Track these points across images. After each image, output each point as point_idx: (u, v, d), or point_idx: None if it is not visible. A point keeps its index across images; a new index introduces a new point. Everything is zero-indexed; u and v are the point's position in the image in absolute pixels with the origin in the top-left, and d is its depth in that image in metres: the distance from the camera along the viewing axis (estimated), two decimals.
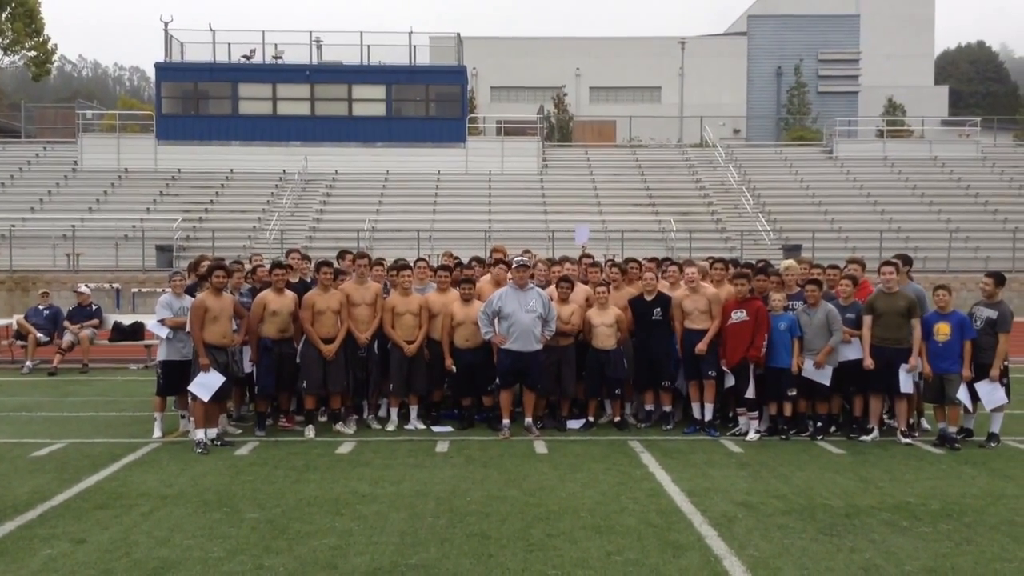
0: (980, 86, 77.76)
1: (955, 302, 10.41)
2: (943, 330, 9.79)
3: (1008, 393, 10.09)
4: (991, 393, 9.87)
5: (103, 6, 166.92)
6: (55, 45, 48.29)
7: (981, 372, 9.89)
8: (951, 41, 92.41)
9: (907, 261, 10.96)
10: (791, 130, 50.04)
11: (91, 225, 29.83)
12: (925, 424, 10.91)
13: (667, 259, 12.17)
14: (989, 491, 8.07)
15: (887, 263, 10.24)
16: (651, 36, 59.55)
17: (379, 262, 11.44)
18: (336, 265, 11.12)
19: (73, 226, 28.60)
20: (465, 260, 12.79)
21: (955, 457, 9.42)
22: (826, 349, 10.04)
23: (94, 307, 17.48)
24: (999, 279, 10.20)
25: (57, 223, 29.32)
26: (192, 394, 9.66)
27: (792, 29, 56.31)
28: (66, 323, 16.89)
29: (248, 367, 10.56)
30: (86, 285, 18.57)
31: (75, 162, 35.85)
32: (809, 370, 10.10)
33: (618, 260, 13.03)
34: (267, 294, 10.43)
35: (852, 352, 10.15)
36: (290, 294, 10.51)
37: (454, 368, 10.72)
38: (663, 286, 11.01)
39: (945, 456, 9.47)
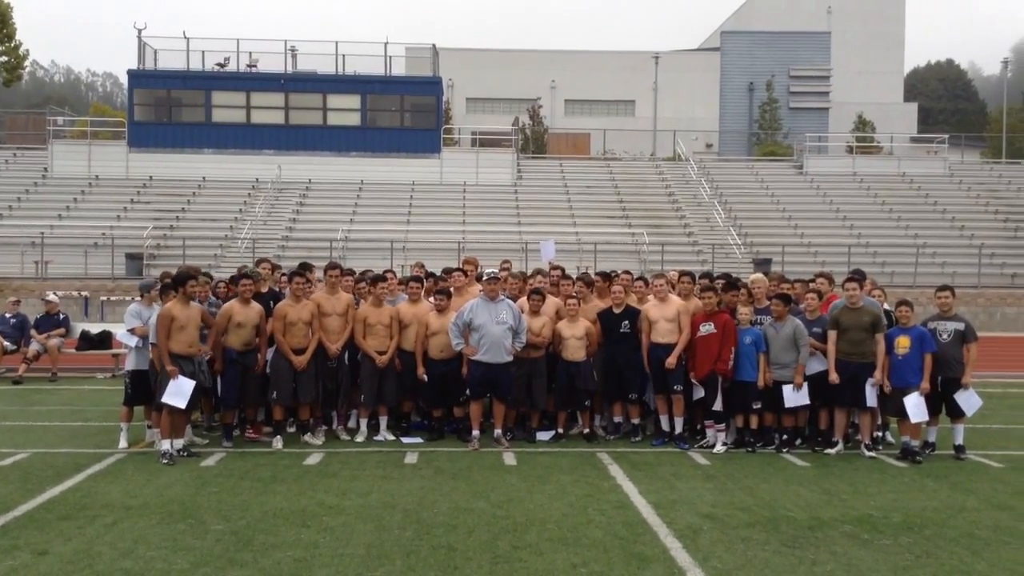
0: (949, 103, 78.99)
1: (922, 317, 10.62)
2: (903, 344, 9.95)
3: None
4: (969, 400, 10.11)
5: (76, 12, 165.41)
6: (27, 50, 47.73)
7: (953, 386, 10.10)
8: (921, 59, 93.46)
9: (861, 276, 11.10)
10: (762, 145, 50.49)
11: (60, 232, 29.57)
12: (889, 437, 11.05)
13: (641, 277, 12.18)
14: (950, 504, 8.19)
15: (850, 279, 10.40)
16: (626, 50, 59.95)
17: (350, 273, 11.46)
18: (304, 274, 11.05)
19: (42, 233, 28.35)
20: (437, 272, 12.78)
21: (917, 470, 9.55)
22: (799, 368, 10.15)
23: (61, 316, 17.31)
24: (954, 291, 10.52)
25: (26, 230, 29.04)
26: (161, 404, 9.56)
27: (764, 45, 56.90)
28: (33, 332, 16.71)
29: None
30: (54, 293, 18.39)
31: (45, 169, 35.54)
32: (790, 397, 10.18)
33: (590, 273, 13.08)
34: (233, 305, 10.35)
35: (818, 364, 10.27)
36: (256, 306, 10.42)
37: (425, 377, 10.73)
38: (632, 300, 11.12)
39: (907, 469, 9.60)
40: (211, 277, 11.59)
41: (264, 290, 11.01)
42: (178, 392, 9.47)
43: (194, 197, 33.82)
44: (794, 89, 56.84)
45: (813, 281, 11.31)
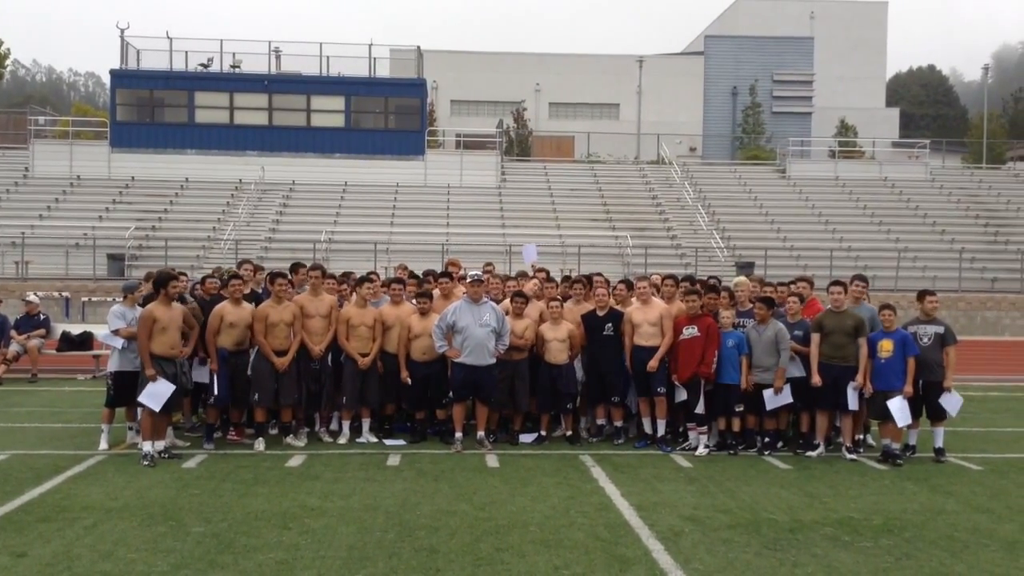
0: (930, 109, 79.61)
1: (902, 321, 10.69)
2: (886, 347, 10.02)
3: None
4: (950, 401, 10.21)
5: (59, 11, 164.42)
6: (8, 49, 47.53)
7: (935, 389, 10.18)
8: (903, 64, 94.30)
9: (863, 280, 11.06)
10: (745, 149, 50.70)
11: (41, 232, 29.35)
12: (870, 440, 11.12)
13: (623, 280, 12.18)
14: (929, 507, 8.25)
15: (836, 283, 10.49)
16: (610, 54, 60.11)
17: (331, 275, 11.45)
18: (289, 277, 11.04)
19: (23, 233, 28.11)
20: (420, 273, 12.78)
21: (898, 473, 9.61)
22: (779, 372, 10.20)
23: (42, 316, 17.19)
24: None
25: (7, 230, 28.76)
26: (141, 405, 9.52)
27: (748, 50, 57.14)
28: (13, 333, 16.57)
29: (199, 377, 10.47)
30: (35, 293, 18.24)
31: (26, 168, 35.21)
32: (770, 399, 10.23)
33: (574, 276, 13.07)
34: (224, 306, 10.34)
35: (795, 369, 10.33)
36: (248, 306, 10.44)
37: (409, 380, 10.71)
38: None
39: (888, 472, 9.66)
40: (187, 277, 11.57)
41: (246, 291, 10.96)
42: (154, 394, 9.41)
43: (177, 198, 33.62)
44: (777, 93, 57.09)
45: (794, 283, 11.38)
